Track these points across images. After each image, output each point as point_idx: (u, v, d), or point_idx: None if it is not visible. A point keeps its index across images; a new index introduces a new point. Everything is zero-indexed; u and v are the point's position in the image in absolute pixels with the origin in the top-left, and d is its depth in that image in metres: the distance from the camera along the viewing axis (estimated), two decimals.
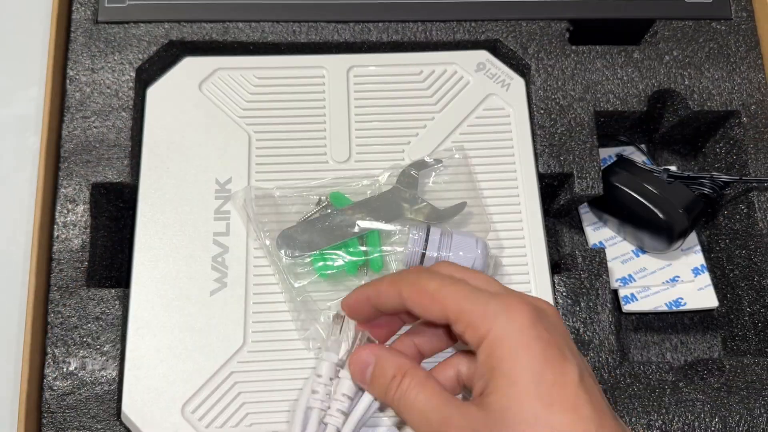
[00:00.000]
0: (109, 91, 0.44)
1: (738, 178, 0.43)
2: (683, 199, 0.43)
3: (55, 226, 0.41)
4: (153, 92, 0.43)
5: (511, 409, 0.27)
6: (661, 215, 0.43)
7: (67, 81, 0.44)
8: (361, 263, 0.39)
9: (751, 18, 0.47)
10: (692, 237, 0.47)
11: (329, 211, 0.39)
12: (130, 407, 0.37)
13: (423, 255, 0.38)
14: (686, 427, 0.39)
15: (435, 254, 0.37)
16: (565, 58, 0.45)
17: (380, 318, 0.34)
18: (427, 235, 0.38)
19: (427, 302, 0.31)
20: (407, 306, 0.32)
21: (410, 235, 0.38)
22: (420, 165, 0.41)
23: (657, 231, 0.43)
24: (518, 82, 0.44)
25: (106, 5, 0.45)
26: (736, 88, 0.45)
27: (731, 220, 0.45)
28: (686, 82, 0.45)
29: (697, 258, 0.46)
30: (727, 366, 0.40)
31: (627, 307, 0.45)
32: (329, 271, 0.39)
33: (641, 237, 0.45)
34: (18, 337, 0.42)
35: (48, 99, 0.42)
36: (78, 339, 0.39)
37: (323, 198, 0.41)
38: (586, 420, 0.27)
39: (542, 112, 0.44)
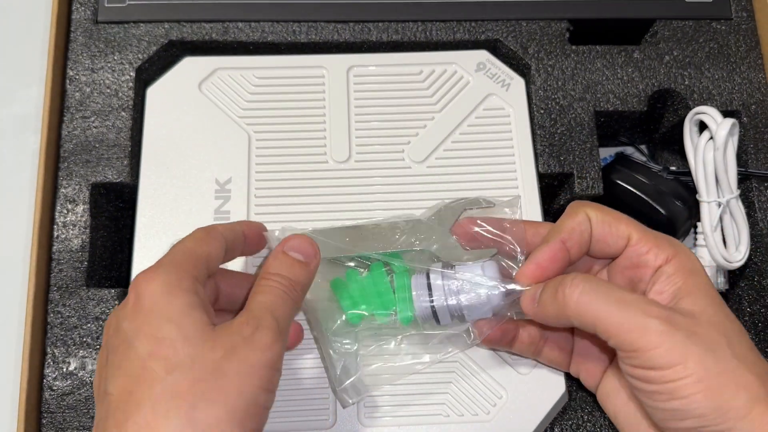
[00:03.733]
0: (108, 90, 0.44)
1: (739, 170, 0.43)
2: (683, 193, 0.43)
3: (55, 226, 0.41)
4: (153, 92, 0.43)
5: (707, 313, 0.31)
6: (662, 210, 0.43)
7: (67, 81, 0.44)
8: (393, 309, 0.36)
9: (751, 18, 0.47)
10: (690, 237, 0.47)
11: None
12: None
13: (433, 309, 0.35)
14: None
15: (445, 303, 0.35)
16: (565, 58, 0.45)
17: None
18: (428, 281, 0.35)
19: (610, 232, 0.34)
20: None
21: (413, 292, 0.36)
22: (472, 203, 0.38)
23: (659, 227, 0.43)
24: (518, 82, 0.44)
25: (106, 5, 0.45)
26: (736, 88, 0.45)
27: None
28: (686, 82, 0.45)
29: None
30: None
31: None
32: (359, 312, 0.36)
33: None
34: (18, 337, 0.42)
35: (48, 99, 0.42)
36: (78, 339, 0.39)
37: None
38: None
39: (542, 112, 0.44)
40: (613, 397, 0.35)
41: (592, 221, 0.35)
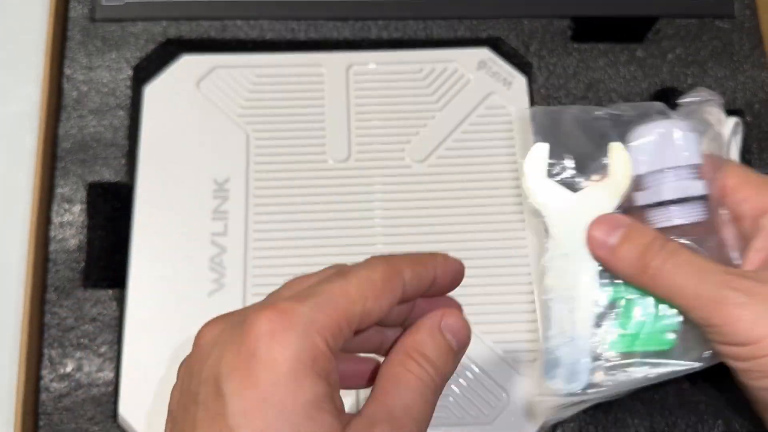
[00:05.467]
0: (106, 89, 0.43)
1: None
2: None
3: (52, 226, 0.41)
4: (150, 91, 0.43)
5: None
6: None
7: (64, 79, 0.43)
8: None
9: (754, 16, 0.47)
10: None
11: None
12: (126, 409, 0.37)
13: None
14: (689, 429, 0.38)
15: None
16: (567, 56, 0.45)
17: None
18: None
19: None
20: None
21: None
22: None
23: None
24: (520, 81, 0.44)
25: (103, 3, 0.45)
26: (739, 86, 0.45)
27: None
28: (689, 81, 0.45)
29: None
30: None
31: None
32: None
33: None
34: (14, 339, 0.42)
35: (44, 97, 0.41)
36: (74, 340, 0.39)
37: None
38: None
39: None
40: None
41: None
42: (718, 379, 0.40)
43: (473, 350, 0.38)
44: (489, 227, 0.41)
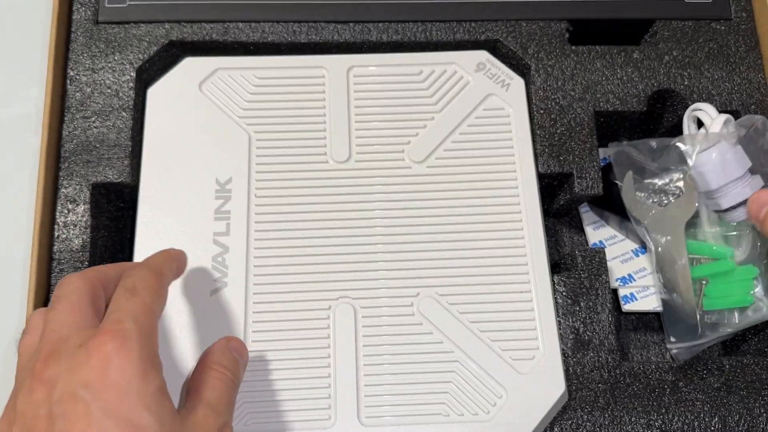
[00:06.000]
0: (109, 91, 0.44)
1: None
2: None
3: (56, 226, 0.41)
4: (153, 92, 0.44)
5: None
6: None
7: (68, 81, 0.44)
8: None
9: (750, 18, 0.47)
10: None
11: None
12: None
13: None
14: (686, 426, 0.39)
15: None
16: (564, 59, 0.45)
17: None
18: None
19: None
20: None
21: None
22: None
23: None
24: (518, 82, 0.44)
25: (107, 5, 0.45)
26: (735, 88, 0.45)
27: None
28: (686, 83, 0.45)
29: None
30: (727, 366, 0.40)
31: (626, 307, 0.45)
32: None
33: None
34: (18, 338, 0.42)
35: (48, 99, 0.42)
36: None
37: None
38: None
39: (542, 112, 0.44)
40: None
41: None
42: (715, 378, 0.40)
43: (473, 348, 0.39)
44: (488, 227, 0.41)
